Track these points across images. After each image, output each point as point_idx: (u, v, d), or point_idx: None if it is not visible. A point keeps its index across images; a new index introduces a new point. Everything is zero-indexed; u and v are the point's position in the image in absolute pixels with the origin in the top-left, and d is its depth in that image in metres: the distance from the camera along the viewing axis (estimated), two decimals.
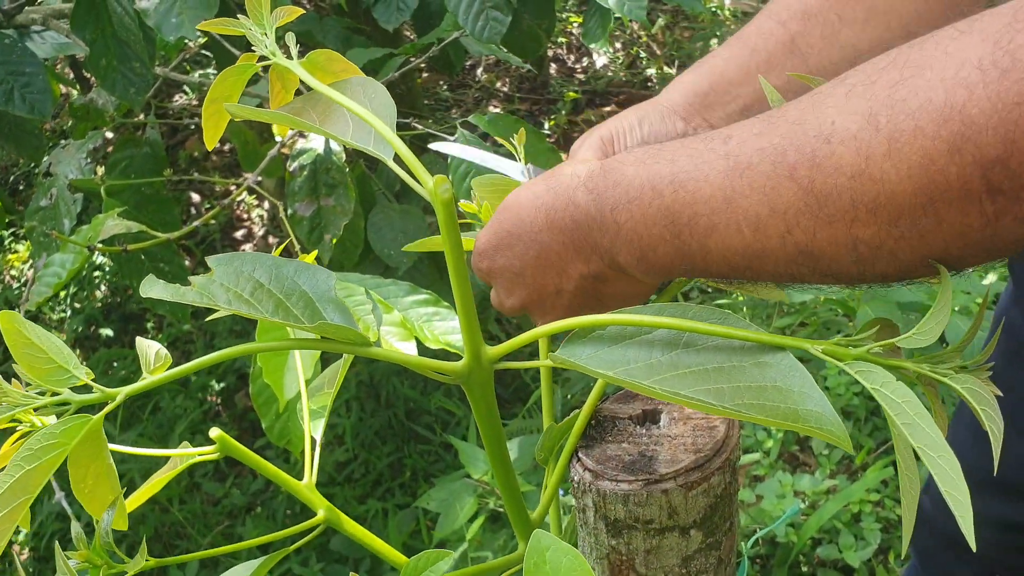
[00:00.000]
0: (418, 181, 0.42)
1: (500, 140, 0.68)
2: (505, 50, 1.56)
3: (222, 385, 2.50)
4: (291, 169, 1.32)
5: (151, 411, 2.43)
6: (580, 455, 0.52)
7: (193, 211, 2.90)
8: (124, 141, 1.38)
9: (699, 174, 0.39)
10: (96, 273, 2.83)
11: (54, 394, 0.45)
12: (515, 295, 0.54)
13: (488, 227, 0.54)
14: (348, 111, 0.45)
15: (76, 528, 0.46)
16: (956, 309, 1.39)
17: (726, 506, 0.52)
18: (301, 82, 0.50)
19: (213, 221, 2.80)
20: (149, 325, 2.70)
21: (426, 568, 0.35)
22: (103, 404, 0.45)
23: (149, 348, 0.49)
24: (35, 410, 0.45)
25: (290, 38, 0.49)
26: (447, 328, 1.06)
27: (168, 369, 0.45)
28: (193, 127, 3.19)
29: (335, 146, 1.35)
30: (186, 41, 1.62)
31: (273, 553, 0.53)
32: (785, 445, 1.50)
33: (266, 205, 2.99)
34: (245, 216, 3.00)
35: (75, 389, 0.45)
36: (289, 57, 0.48)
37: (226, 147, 3.19)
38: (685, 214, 0.40)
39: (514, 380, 2.28)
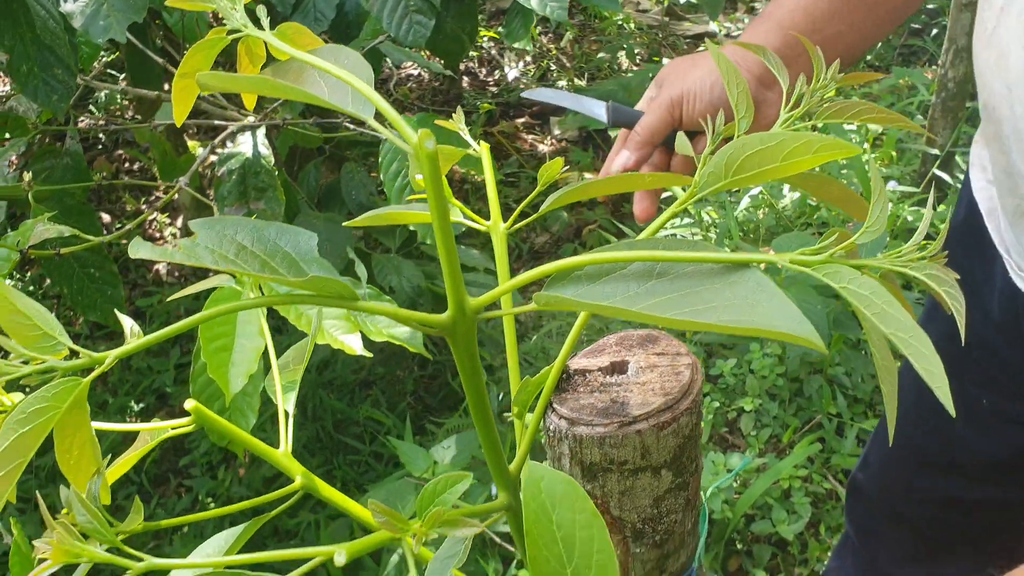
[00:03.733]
0: (403, 138, 0.44)
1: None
2: (427, 55, 1.58)
3: (141, 406, 2.45)
4: (220, 173, 1.32)
5: None
6: (555, 406, 0.54)
7: (105, 232, 2.82)
8: (43, 152, 1.35)
9: None
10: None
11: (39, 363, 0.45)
12: None
13: None
14: (323, 73, 0.47)
15: (65, 493, 0.46)
16: None
17: (692, 447, 0.55)
18: (268, 56, 0.51)
19: (124, 240, 2.74)
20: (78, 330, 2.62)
21: (444, 491, 0.37)
22: (88, 371, 0.45)
23: (126, 322, 0.50)
24: (19, 380, 0.45)
25: (261, 10, 0.51)
26: (390, 321, 1.07)
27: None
28: (100, 146, 3.12)
29: (263, 149, 1.35)
30: (102, 50, 1.59)
31: (256, 518, 0.53)
32: (715, 427, 1.55)
33: (179, 223, 2.94)
34: (158, 235, 2.94)
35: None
36: (261, 28, 0.49)
37: (135, 166, 3.13)
38: None
39: (442, 388, 2.29)
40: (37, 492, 0.44)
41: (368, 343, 1.03)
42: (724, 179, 0.48)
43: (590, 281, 0.43)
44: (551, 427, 0.54)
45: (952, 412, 0.36)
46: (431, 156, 0.43)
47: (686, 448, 0.54)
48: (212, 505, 2.09)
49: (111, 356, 0.45)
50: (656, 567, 0.58)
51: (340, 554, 0.35)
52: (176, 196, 2.85)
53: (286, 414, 0.60)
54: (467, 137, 0.66)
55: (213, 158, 2.27)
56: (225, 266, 0.45)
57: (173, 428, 0.58)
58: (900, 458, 1.02)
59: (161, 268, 2.84)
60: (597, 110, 0.77)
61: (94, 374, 0.45)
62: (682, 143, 0.57)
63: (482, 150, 0.65)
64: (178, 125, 0.53)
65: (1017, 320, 0.79)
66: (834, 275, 0.39)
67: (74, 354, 0.46)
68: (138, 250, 0.44)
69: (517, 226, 0.62)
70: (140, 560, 0.36)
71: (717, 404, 1.52)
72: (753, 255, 0.41)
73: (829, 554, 1.35)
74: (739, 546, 1.40)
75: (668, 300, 0.41)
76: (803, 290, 1.39)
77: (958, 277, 0.39)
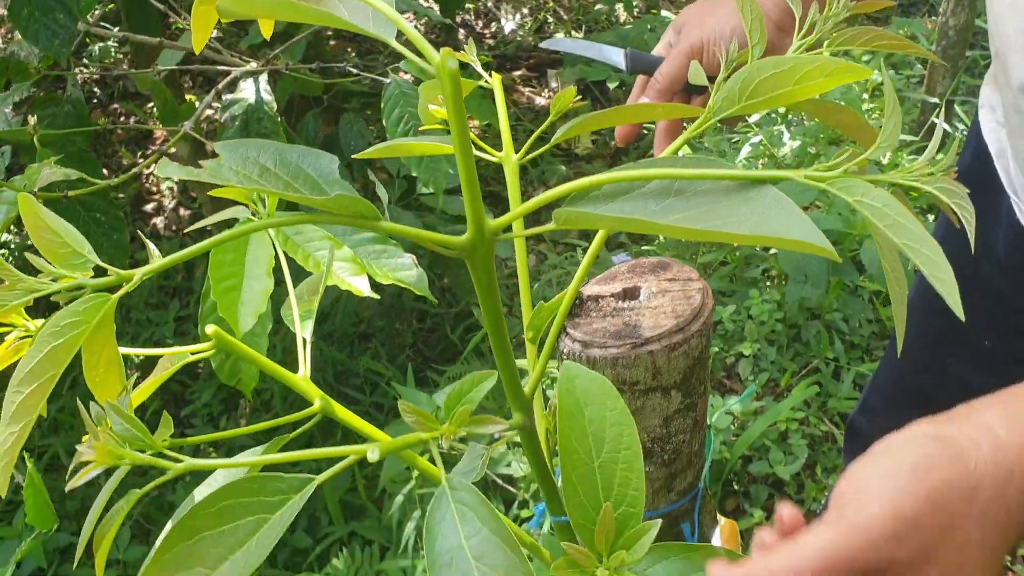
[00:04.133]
0: (423, 58, 0.44)
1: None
2: (424, 2, 1.57)
3: (140, 359, 2.45)
4: (223, 120, 1.32)
5: (69, 387, 2.37)
6: (568, 330, 0.56)
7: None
8: (45, 99, 1.35)
9: None
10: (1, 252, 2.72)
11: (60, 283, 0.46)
12: None
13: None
14: None
15: (96, 409, 0.47)
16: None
17: (701, 369, 0.57)
18: None
19: (122, 195, 2.73)
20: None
21: (471, 390, 0.38)
22: (116, 288, 0.46)
23: (150, 246, 0.51)
24: (49, 297, 0.46)
25: None
26: (396, 265, 1.08)
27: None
28: (96, 100, 3.09)
29: (266, 95, 1.35)
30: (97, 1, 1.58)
31: (277, 438, 0.55)
32: (714, 373, 1.57)
33: (175, 177, 2.93)
34: (155, 189, 2.94)
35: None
36: None
37: (132, 120, 3.11)
38: None
39: (441, 341, 2.31)
40: (78, 402, 0.45)
41: (371, 299, 1.04)
42: (738, 103, 0.49)
43: (608, 200, 0.44)
44: (565, 350, 0.55)
45: (962, 316, 0.37)
46: (453, 74, 0.43)
47: (696, 370, 0.56)
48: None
49: (139, 273, 0.46)
50: (664, 486, 0.60)
51: (373, 451, 0.37)
52: (174, 149, 2.84)
53: (303, 340, 0.61)
54: (478, 68, 0.66)
55: (210, 112, 2.26)
56: (249, 185, 0.46)
57: (193, 352, 0.59)
58: (901, 400, 1.03)
59: (159, 223, 2.83)
60: (615, 57, 0.78)
61: (122, 291, 0.46)
62: (695, 71, 0.57)
63: (494, 81, 0.66)
64: (197, 52, 0.54)
65: (1022, 260, 0.80)
66: (848, 189, 0.40)
67: (101, 272, 0.47)
68: (166, 169, 0.45)
69: (529, 156, 0.63)
70: (179, 462, 0.38)
71: (716, 349, 1.54)
72: (769, 172, 0.42)
73: (825, 494, 1.38)
74: (736, 487, 1.42)
75: (687, 216, 0.42)
76: None
77: (968, 191, 0.40)
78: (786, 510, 0.40)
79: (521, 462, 1.46)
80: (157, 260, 0.48)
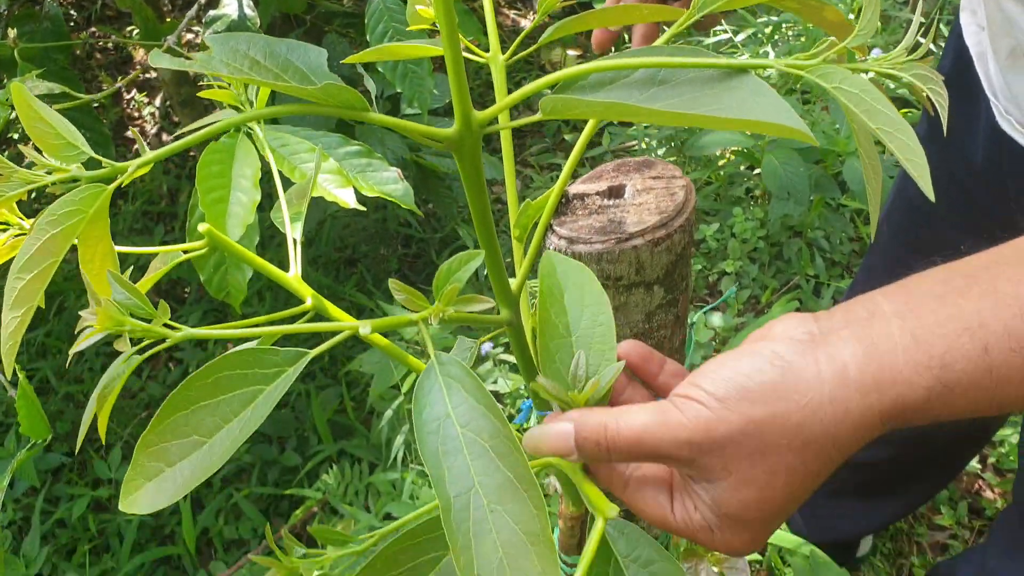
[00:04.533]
0: None
1: None
2: None
3: (133, 263, 2.46)
4: (207, 36, 1.30)
5: (56, 312, 2.38)
6: (554, 228, 0.57)
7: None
8: (23, 15, 1.33)
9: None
10: None
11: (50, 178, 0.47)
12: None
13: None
14: None
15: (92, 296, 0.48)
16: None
17: (684, 265, 0.58)
18: None
19: (104, 120, 2.71)
20: None
21: (459, 269, 0.40)
22: (111, 180, 0.47)
23: (141, 139, 0.51)
24: (43, 189, 0.47)
25: None
26: (381, 179, 1.08)
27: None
28: (72, 23, 3.03)
29: (249, 11, 1.33)
30: None
31: (271, 328, 0.56)
32: (696, 291, 1.59)
33: (157, 102, 2.90)
34: (136, 115, 2.90)
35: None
36: None
37: (110, 44, 3.05)
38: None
39: (427, 267, 2.32)
40: (81, 270, 0.46)
41: (356, 225, 1.04)
42: None
43: (594, 89, 0.45)
44: (551, 247, 0.57)
45: (931, 197, 0.39)
46: None
47: (678, 265, 0.57)
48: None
49: (133, 165, 0.47)
50: None
51: (365, 327, 0.38)
52: (155, 73, 2.79)
53: (294, 241, 0.63)
54: None
55: (190, 36, 2.22)
56: (240, 76, 0.47)
57: (186, 251, 0.60)
58: None
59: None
60: None
61: (117, 182, 0.47)
62: None
63: None
64: None
65: (999, 166, 0.81)
66: (826, 76, 0.41)
67: (95, 166, 0.47)
68: (159, 60, 0.46)
69: (516, 57, 0.63)
70: (178, 330, 0.39)
71: (699, 267, 1.56)
72: (751, 61, 0.43)
73: None
74: None
75: (672, 103, 0.43)
76: (787, 154, 1.41)
77: (944, 78, 0.41)
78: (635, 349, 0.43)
79: (507, 379, 1.49)
80: (151, 152, 0.49)
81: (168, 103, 2.79)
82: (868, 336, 0.39)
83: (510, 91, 0.58)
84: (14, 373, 1.06)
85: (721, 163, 1.71)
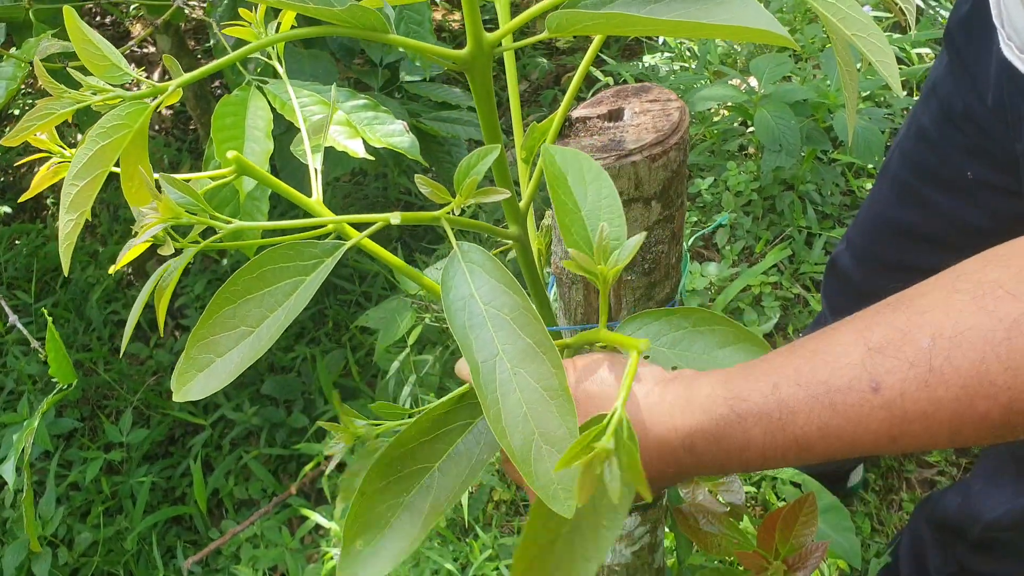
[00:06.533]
0: None
1: None
2: None
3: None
4: None
5: (62, 284, 2.42)
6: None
7: None
8: None
9: (856, 429, 0.39)
10: None
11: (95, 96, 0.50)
12: None
13: None
14: None
15: (136, 210, 0.52)
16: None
17: (679, 183, 0.63)
18: None
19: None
20: (49, 201, 2.65)
21: (477, 163, 0.44)
22: (153, 99, 0.51)
23: (173, 60, 0.55)
24: (90, 107, 0.51)
25: None
26: (388, 131, 1.12)
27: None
28: None
29: None
30: None
31: (313, 220, 0.60)
32: (692, 245, 1.64)
33: (155, 77, 2.93)
34: (135, 90, 2.92)
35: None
36: None
37: (107, 20, 3.08)
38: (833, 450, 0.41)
39: (428, 232, 2.36)
40: (140, 170, 0.50)
41: (356, 193, 1.08)
42: None
43: (596, 7, 0.49)
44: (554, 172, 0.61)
45: (900, 93, 0.43)
46: None
47: (673, 182, 0.61)
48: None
49: (173, 84, 0.51)
50: (645, 295, 0.67)
51: (395, 216, 0.42)
52: (153, 48, 2.80)
53: (315, 171, 0.67)
54: None
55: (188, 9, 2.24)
56: (270, 1, 0.51)
57: (213, 178, 0.64)
58: (882, 232, 1.08)
59: None
60: None
61: (157, 102, 0.51)
62: None
63: None
64: None
65: (1004, 93, 0.85)
66: None
67: (137, 85, 0.52)
68: None
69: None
70: (229, 223, 0.43)
71: (695, 219, 1.61)
72: None
73: None
74: None
75: (668, 14, 0.47)
76: (778, 107, 1.45)
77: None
78: None
79: None
80: (185, 74, 0.53)
81: (167, 76, 2.82)
82: (694, 380, 0.45)
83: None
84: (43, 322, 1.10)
85: (715, 119, 1.75)
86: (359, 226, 0.51)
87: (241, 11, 0.71)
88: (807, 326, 1.41)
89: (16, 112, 2.75)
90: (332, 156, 1.61)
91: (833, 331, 0.43)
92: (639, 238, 0.41)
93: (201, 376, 0.47)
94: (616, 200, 0.43)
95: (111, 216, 2.55)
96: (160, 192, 0.42)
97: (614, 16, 0.46)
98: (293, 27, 0.66)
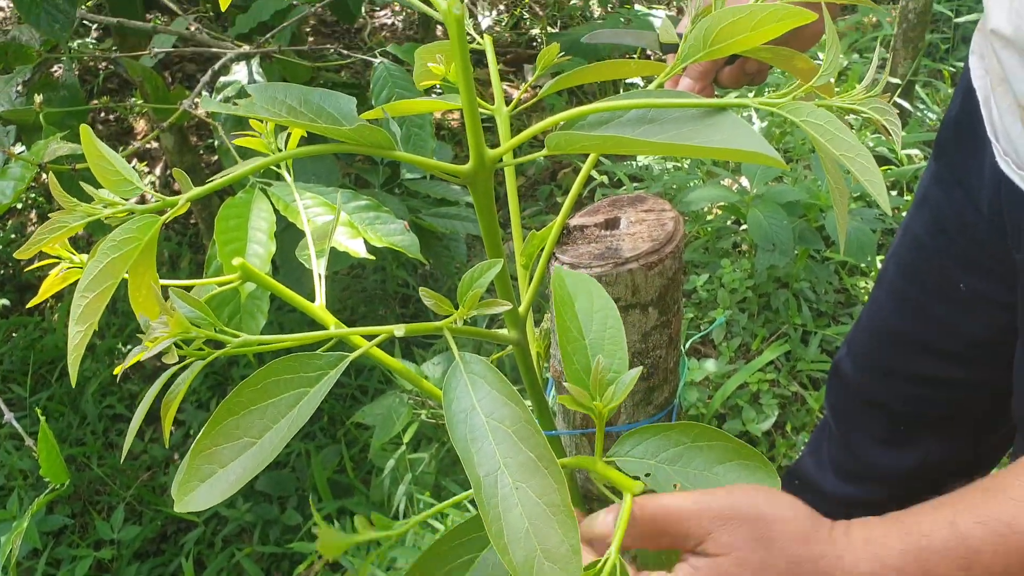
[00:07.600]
0: (431, 5, 0.51)
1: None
2: None
3: (129, 347, 2.50)
4: (246, 87, 1.37)
5: (58, 377, 2.41)
6: (557, 255, 0.63)
7: None
8: (42, 84, 1.40)
9: None
10: None
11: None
12: None
13: None
14: None
15: (143, 319, 0.53)
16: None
17: (675, 289, 0.64)
18: None
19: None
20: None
21: (480, 276, 0.45)
22: (163, 213, 0.53)
23: (184, 175, 0.57)
24: (103, 220, 0.53)
25: None
26: (389, 231, 1.15)
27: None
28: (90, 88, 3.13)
29: (258, 77, 1.41)
30: None
31: (319, 334, 0.61)
32: (687, 339, 1.65)
33: (157, 171, 2.98)
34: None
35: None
36: None
37: (112, 117, 3.15)
38: None
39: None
40: (151, 285, 0.51)
41: (354, 286, 1.10)
42: (703, 49, 0.56)
43: (592, 128, 0.51)
44: (555, 273, 0.62)
45: (888, 212, 0.44)
46: (458, 19, 0.50)
47: (670, 289, 0.63)
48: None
49: (183, 198, 0.53)
50: (644, 399, 0.67)
51: (399, 329, 0.43)
52: (156, 143, 2.86)
53: (319, 276, 0.68)
54: (470, 31, 0.73)
55: (194, 105, 2.30)
56: (279, 120, 0.53)
57: (220, 284, 0.65)
58: (880, 339, 1.07)
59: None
60: (651, 37, 0.84)
61: (168, 215, 0.52)
62: (666, 29, 0.64)
63: (486, 41, 0.73)
64: (223, 8, 0.60)
65: (1000, 205, 0.84)
66: (795, 111, 0.47)
67: (145, 200, 0.53)
68: (208, 103, 0.52)
69: (519, 108, 0.70)
70: (236, 336, 0.44)
71: (691, 316, 1.62)
72: (729, 100, 0.50)
73: (795, 451, 1.46)
74: None
75: (661, 137, 0.49)
76: (771, 207, 1.48)
77: (898, 111, 0.47)
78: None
79: None
80: (195, 188, 0.55)
81: (169, 172, 2.87)
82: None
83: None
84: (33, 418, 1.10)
85: (709, 218, 1.78)
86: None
87: (252, 121, 0.73)
88: (811, 433, 1.41)
89: (19, 206, 2.78)
90: (332, 252, 1.63)
91: None
92: (635, 373, 0.42)
93: (203, 487, 0.47)
94: (620, 332, 0.44)
95: (108, 309, 2.56)
96: (167, 302, 0.43)
97: (609, 138, 0.48)
98: (303, 138, 0.68)
